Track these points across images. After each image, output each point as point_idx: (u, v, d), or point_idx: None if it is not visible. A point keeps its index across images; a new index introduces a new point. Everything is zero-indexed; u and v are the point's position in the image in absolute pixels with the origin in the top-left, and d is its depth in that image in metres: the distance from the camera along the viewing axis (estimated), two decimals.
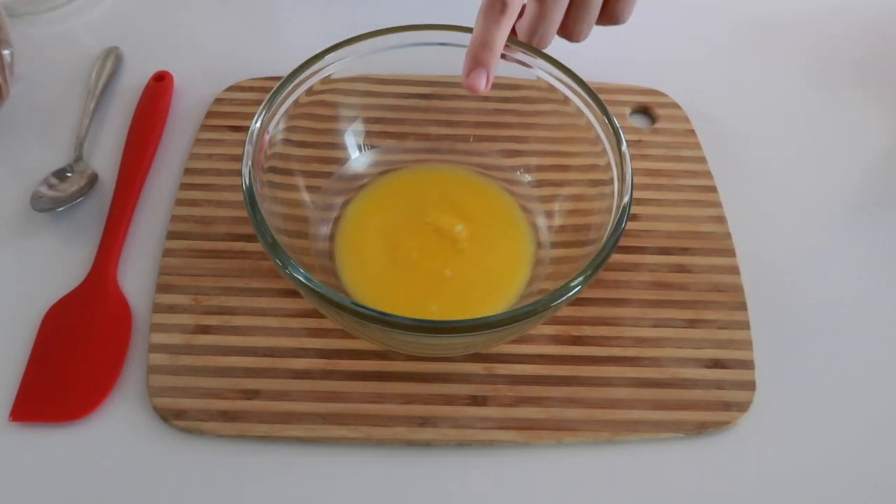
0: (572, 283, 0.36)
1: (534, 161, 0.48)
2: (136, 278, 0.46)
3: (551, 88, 0.44)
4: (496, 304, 0.43)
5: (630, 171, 0.39)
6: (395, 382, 0.42)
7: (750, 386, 0.42)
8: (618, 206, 0.39)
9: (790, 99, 0.58)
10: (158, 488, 0.39)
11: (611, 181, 0.41)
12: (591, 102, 0.42)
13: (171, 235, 0.47)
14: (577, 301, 0.44)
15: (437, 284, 0.44)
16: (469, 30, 0.42)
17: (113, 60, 0.57)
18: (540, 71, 0.43)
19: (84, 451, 0.40)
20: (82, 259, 0.46)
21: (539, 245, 0.46)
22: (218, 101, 0.54)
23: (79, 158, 0.51)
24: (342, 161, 0.48)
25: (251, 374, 0.42)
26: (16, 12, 0.59)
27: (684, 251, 0.48)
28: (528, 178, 0.48)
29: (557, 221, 0.46)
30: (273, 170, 0.42)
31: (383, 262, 0.44)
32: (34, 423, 0.40)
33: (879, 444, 0.41)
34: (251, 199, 0.37)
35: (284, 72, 0.42)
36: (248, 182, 0.37)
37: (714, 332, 0.44)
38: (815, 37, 0.62)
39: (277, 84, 0.41)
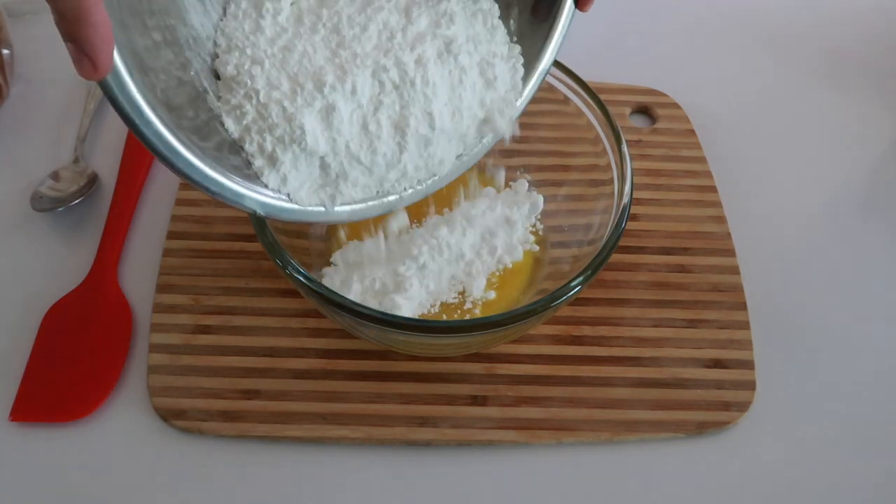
0: (572, 283, 0.36)
1: (534, 161, 0.48)
2: (136, 278, 0.46)
3: (551, 88, 0.44)
4: (496, 304, 0.43)
5: (630, 171, 0.39)
6: (395, 382, 0.42)
7: (750, 386, 0.42)
8: (618, 206, 0.39)
9: (790, 99, 0.57)
10: (158, 488, 0.39)
11: (611, 181, 0.41)
12: (591, 102, 0.42)
13: (171, 235, 0.47)
14: (577, 301, 0.44)
15: None
16: None
17: None
18: None
19: (84, 451, 0.40)
20: (82, 259, 0.46)
21: (539, 245, 0.46)
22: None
23: (79, 158, 0.51)
24: None
25: (251, 374, 0.42)
26: (16, 12, 0.59)
27: (684, 251, 0.48)
28: (528, 178, 0.48)
29: (557, 221, 0.46)
30: None
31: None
32: (34, 423, 0.40)
33: (879, 444, 0.41)
34: None
35: None
36: None
37: (714, 332, 0.44)
38: (815, 37, 0.62)
39: None
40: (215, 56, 0.35)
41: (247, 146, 0.34)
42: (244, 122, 0.34)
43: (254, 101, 0.34)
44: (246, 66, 0.34)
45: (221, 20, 0.35)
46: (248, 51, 0.34)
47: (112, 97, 0.29)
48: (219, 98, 0.34)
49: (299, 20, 0.35)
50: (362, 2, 0.36)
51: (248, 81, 0.34)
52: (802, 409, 0.42)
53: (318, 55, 0.35)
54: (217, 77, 0.35)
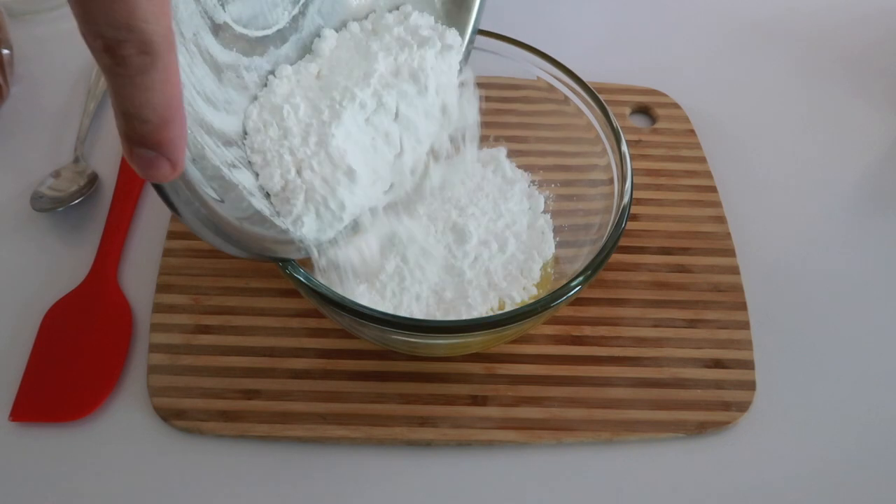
0: (572, 283, 0.36)
1: (534, 161, 0.48)
2: (136, 278, 0.46)
3: (551, 88, 0.44)
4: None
5: (630, 171, 0.39)
6: (395, 382, 0.42)
7: (750, 386, 0.42)
8: (618, 206, 0.39)
9: (790, 99, 0.57)
10: (158, 488, 0.39)
11: (611, 181, 0.41)
12: (591, 102, 0.42)
13: (171, 235, 0.47)
14: (577, 301, 0.44)
15: None
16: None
17: None
18: (540, 71, 0.43)
19: (84, 451, 0.40)
20: (82, 259, 0.46)
21: None
22: None
23: (79, 158, 0.51)
24: None
25: (251, 374, 0.42)
26: (16, 12, 0.59)
27: (684, 251, 0.48)
28: (528, 178, 0.48)
29: (558, 221, 0.46)
30: None
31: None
32: (34, 423, 0.40)
33: (879, 444, 0.41)
34: None
35: None
36: None
37: (714, 332, 0.44)
38: (815, 37, 0.62)
39: None
40: (255, 175, 0.34)
41: (314, 251, 0.35)
42: (310, 225, 0.34)
43: (321, 208, 0.34)
44: (291, 175, 0.34)
45: (245, 138, 0.34)
46: (287, 157, 0.34)
47: (174, 195, 0.27)
48: (278, 213, 0.34)
49: (317, 109, 0.35)
50: (361, 72, 0.36)
51: (302, 186, 0.34)
52: (802, 409, 0.42)
53: (359, 136, 0.35)
54: (253, 176, 0.34)
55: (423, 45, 0.37)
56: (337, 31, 0.38)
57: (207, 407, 0.41)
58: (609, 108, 0.41)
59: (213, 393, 0.41)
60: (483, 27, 0.42)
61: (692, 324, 0.44)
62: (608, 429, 0.41)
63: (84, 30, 0.21)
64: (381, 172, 0.37)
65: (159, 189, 0.27)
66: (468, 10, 0.40)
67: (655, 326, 0.44)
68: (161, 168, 0.24)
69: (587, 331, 0.44)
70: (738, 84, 0.58)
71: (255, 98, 0.35)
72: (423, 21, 0.39)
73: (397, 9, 0.39)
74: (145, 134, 0.23)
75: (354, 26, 0.38)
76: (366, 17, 0.39)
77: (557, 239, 0.45)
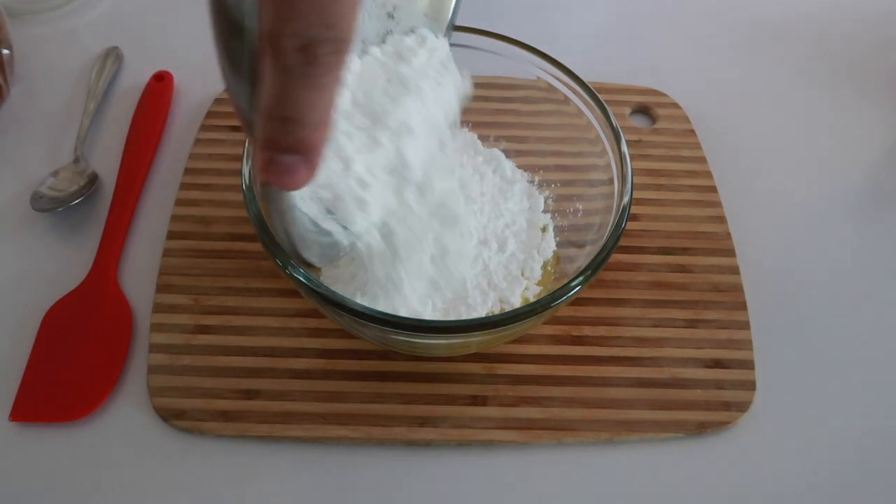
0: (572, 283, 0.36)
1: (534, 161, 0.48)
2: (136, 278, 0.46)
3: (551, 88, 0.44)
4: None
5: (630, 171, 0.39)
6: (395, 382, 0.42)
7: (750, 386, 0.42)
8: (618, 206, 0.39)
9: (790, 99, 0.57)
10: (158, 488, 0.39)
11: (611, 181, 0.41)
12: (591, 102, 0.42)
13: (171, 235, 0.47)
14: (577, 301, 0.44)
15: None
16: (471, 30, 0.42)
17: (113, 60, 0.57)
18: (540, 71, 0.43)
19: (84, 451, 0.40)
20: (82, 259, 0.46)
21: None
22: (218, 101, 0.54)
23: (79, 158, 0.51)
24: None
25: (251, 374, 0.42)
26: (16, 12, 0.59)
27: (684, 251, 0.48)
28: (528, 178, 0.48)
29: (558, 221, 0.46)
30: None
31: None
32: (34, 423, 0.40)
33: (879, 444, 0.41)
34: (251, 199, 0.37)
35: None
36: (247, 181, 0.37)
37: (714, 332, 0.44)
38: (815, 37, 0.62)
39: None
40: (328, 212, 0.34)
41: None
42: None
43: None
44: (374, 209, 0.34)
45: None
46: (359, 191, 0.34)
47: (279, 202, 0.28)
48: (342, 226, 0.34)
49: (373, 139, 0.35)
50: (396, 89, 0.36)
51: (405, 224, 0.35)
52: (802, 409, 0.42)
53: (415, 154, 0.36)
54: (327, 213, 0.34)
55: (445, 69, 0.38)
56: (359, 57, 0.38)
57: (207, 407, 0.41)
58: (609, 108, 0.41)
59: (213, 393, 0.41)
60: (483, 27, 0.42)
61: (692, 324, 0.44)
62: (608, 429, 0.41)
63: (281, 28, 0.19)
64: None
65: (270, 196, 0.26)
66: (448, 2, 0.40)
67: (655, 326, 0.44)
68: (298, 173, 0.22)
69: (587, 331, 0.44)
70: (738, 84, 0.58)
71: None
72: (440, 43, 0.39)
73: (412, 31, 0.39)
74: (299, 137, 0.22)
75: (376, 51, 0.38)
76: (384, 41, 0.39)
77: (557, 239, 0.45)
